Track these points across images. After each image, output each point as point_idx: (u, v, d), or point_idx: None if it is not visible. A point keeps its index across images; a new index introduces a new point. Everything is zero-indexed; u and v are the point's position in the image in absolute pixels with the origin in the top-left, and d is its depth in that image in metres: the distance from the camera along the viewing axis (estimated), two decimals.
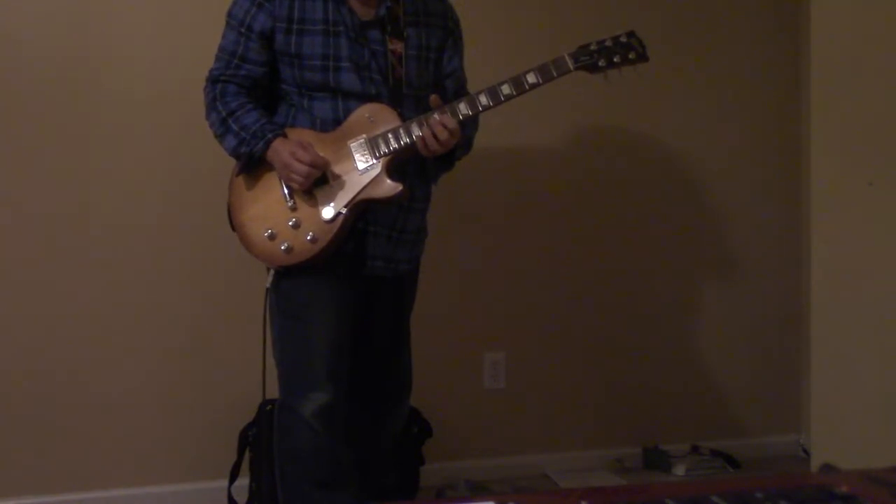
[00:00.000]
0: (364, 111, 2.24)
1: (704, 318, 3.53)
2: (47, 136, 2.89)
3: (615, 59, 2.25)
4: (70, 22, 2.90)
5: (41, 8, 2.88)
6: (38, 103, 2.88)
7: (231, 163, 2.33)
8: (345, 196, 2.21)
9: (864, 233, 2.48)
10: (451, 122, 2.19)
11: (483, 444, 3.29)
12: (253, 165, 2.26)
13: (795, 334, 3.55)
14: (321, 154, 2.20)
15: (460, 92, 2.39)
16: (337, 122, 2.26)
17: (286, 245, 2.21)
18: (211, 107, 2.30)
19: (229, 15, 2.30)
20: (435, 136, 2.18)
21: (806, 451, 3.44)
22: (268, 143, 2.21)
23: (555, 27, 3.21)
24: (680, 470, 3.29)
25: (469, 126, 2.38)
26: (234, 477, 2.88)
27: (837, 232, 2.55)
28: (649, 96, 3.40)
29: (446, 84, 2.40)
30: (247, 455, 2.87)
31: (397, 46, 2.29)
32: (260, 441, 2.75)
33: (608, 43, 2.25)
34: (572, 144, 3.39)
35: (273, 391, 2.41)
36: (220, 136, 2.29)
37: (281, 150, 2.19)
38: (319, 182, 2.21)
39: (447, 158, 2.35)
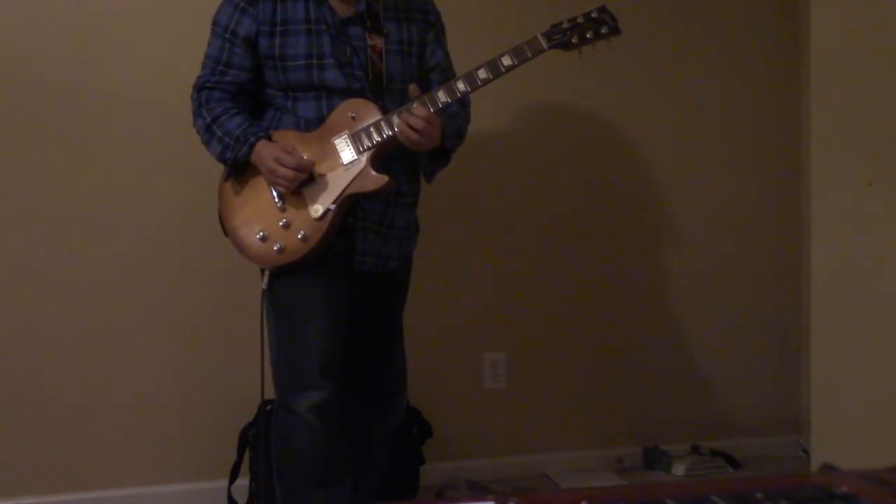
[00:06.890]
0: (345, 107, 2.25)
1: (704, 318, 3.52)
2: (46, 138, 2.90)
3: (588, 35, 2.24)
4: (69, 24, 2.90)
5: (41, 10, 2.88)
6: (38, 105, 2.88)
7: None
8: (332, 192, 2.22)
9: (864, 233, 2.47)
10: (422, 111, 2.17)
11: (483, 444, 3.28)
12: (239, 170, 2.28)
13: (795, 334, 3.55)
14: (306, 154, 2.22)
15: None
16: (321, 121, 2.26)
17: (279, 245, 2.23)
18: (197, 113, 2.32)
19: (214, 23, 2.32)
20: (410, 126, 2.17)
21: (806, 451, 3.43)
22: (251, 147, 2.22)
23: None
24: (680, 470, 3.29)
25: (459, 117, 2.38)
26: (234, 477, 2.89)
27: (837, 232, 2.55)
28: (649, 96, 3.41)
29: (431, 77, 2.40)
30: (247, 455, 2.87)
31: (377, 42, 2.30)
32: (259, 441, 2.75)
33: (580, 20, 2.25)
34: (572, 146, 3.38)
35: (272, 391, 2.41)
36: (206, 143, 2.31)
37: (265, 155, 2.20)
38: (307, 181, 2.22)
39: (440, 153, 2.35)
